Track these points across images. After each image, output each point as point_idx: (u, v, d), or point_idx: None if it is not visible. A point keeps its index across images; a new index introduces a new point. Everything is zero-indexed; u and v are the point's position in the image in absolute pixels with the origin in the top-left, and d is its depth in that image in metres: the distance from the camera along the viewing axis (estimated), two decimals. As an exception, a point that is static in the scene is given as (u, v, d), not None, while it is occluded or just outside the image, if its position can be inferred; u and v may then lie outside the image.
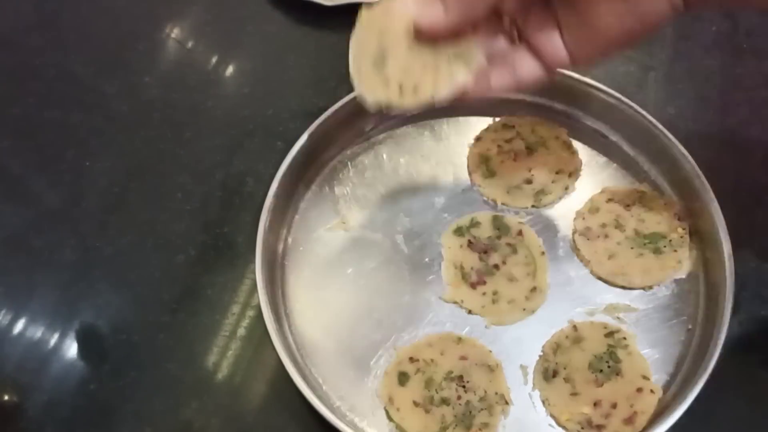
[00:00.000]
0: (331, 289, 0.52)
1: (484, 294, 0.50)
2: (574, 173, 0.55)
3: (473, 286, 0.51)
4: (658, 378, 0.47)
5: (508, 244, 0.52)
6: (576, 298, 0.51)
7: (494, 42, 0.42)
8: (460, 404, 0.46)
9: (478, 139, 0.57)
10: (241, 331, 0.51)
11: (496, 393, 0.47)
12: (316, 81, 0.64)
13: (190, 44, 0.68)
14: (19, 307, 0.53)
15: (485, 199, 0.55)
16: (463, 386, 0.47)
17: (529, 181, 0.55)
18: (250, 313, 0.51)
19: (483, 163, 0.56)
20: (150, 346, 0.50)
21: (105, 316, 0.52)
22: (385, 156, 0.58)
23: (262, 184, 0.57)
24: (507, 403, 0.47)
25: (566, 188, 0.55)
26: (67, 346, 0.51)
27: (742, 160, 0.55)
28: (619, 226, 0.52)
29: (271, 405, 0.48)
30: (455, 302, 0.51)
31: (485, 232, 0.53)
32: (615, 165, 0.56)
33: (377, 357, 0.49)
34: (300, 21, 0.68)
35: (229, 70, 0.66)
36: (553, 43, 0.41)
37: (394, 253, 0.53)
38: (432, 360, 0.48)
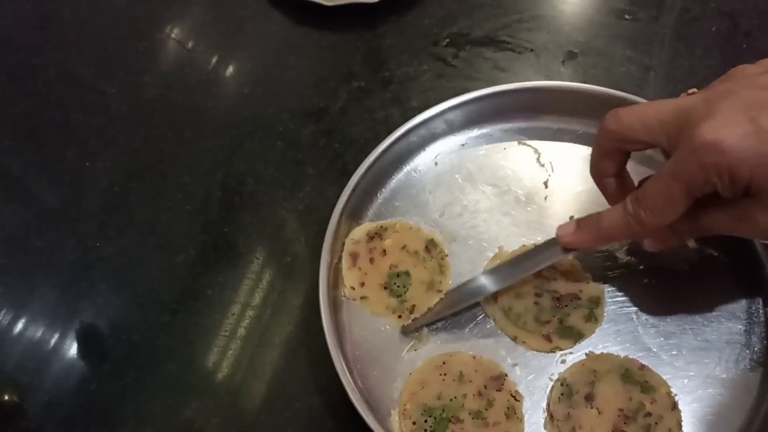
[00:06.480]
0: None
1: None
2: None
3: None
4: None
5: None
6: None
7: None
8: None
9: None
10: (241, 331, 0.51)
11: None
12: (316, 81, 0.64)
13: (190, 44, 0.68)
14: (19, 307, 0.53)
15: None
16: None
17: None
18: (250, 313, 0.51)
19: None
20: (150, 346, 0.50)
21: (105, 316, 0.52)
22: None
23: (262, 184, 0.58)
24: None
25: None
26: (67, 346, 0.51)
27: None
28: None
29: (271, 405, 0.48)
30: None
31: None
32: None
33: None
34: (300, 21, 0.68)
35: (229, 70, 0.66)
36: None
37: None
38: None
